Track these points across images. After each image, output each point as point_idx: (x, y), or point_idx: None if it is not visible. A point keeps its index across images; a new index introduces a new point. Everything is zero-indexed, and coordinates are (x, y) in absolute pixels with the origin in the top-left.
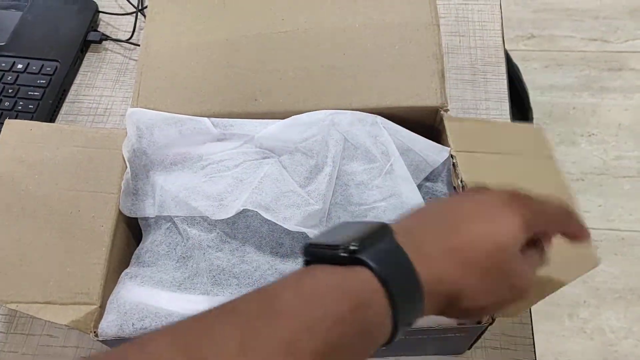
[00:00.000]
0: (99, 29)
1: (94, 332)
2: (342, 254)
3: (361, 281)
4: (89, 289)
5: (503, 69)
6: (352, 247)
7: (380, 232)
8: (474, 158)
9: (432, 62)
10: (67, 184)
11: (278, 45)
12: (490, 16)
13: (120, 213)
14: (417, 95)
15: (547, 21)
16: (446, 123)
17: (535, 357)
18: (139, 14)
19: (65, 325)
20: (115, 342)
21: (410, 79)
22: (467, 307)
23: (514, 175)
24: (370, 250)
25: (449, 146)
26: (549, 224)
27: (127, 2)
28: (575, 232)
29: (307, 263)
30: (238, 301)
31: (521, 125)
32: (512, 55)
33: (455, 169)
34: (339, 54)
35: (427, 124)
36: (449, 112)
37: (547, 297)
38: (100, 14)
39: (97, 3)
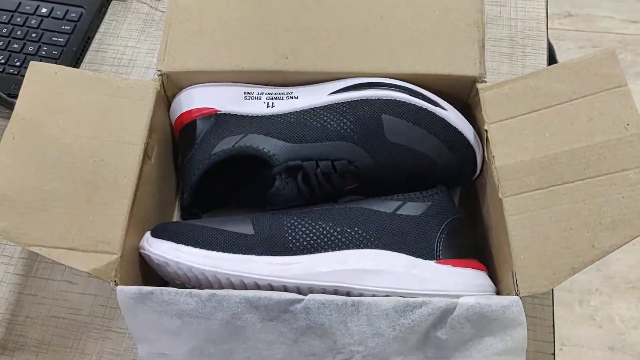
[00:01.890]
0: None
1: (114, 281)
2: None
3: None
4: (110, 239)
5: (544, 43)
6: None
7: None
8: (508, 126)
9: (472, 30)
10: (90, 132)
11: (312, 5)
12: None
13: (143, 166)
14: (455, 64)
15: (586, 0)
16: (481, 94)
17: (554, 340)
18: None
19: (87, 273)
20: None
21: (449, 47)
22: None
23: (562, 128)
24: None
25: (483, 119)
26: None
27: None
28: None
29: None
30: None
31: (579, 61)
32: None
33: (488, 145)
34: (375, 18)
35: (463, 93)
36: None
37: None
38: None
39: None
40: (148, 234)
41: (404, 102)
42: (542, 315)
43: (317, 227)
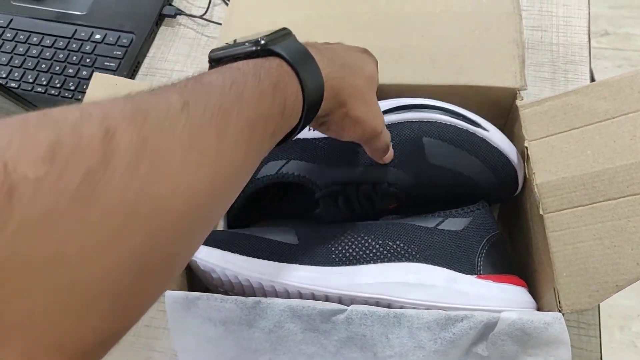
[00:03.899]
0: (173, 4)
1: None
2: (253, 48)
3: (276, 65)
4: None
5: (586, 68)
6: (262, 41)
7: (285, 32)
8: (549, 143)
9: (512, 48)
10: None
11: (357, 25)
12: (576, 11)
13: None
14: (496, 76)
15: (624, 19)
16: (521, 111)
17: None
18: None
19: None
20: (179, 302)
21: (489, 61)
22: (346, 114)
23: (604, 146)
24: (278, 44)
25: (523, 136)
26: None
27: None
28: None
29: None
30: (173, 83)
31: (620, 78)
32: None
33: (528, 162)
34: (417, 36)
35: (504, 107)
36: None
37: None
38: None
39: None
40: None
41: (445, 123)
42: (588, 347)
43: (360, 239)
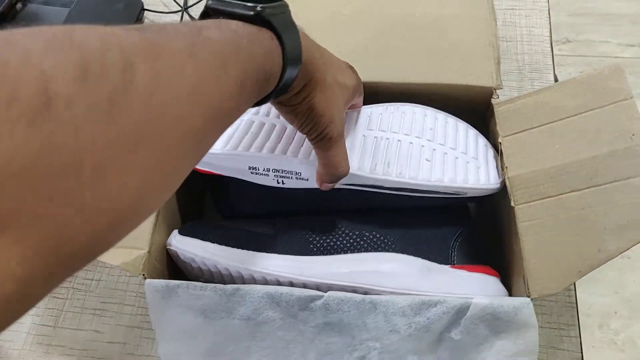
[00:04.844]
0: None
1: (143, 275)
2: (250, 13)
3: (269, 38)
4: (139, 235)
5: (551, 76)
6: (259, 9)
7: (282, 5)
8: (520, 139)
9: (488, 50)
10: None
11: (337, 25)
12: (538, 21)
13: None
14: (472, 75)
15: (584, 26)
16: (495, 109)
17: None
18: (184, 12)
19: (117, 266)
20: (159, 291)
21: (467, 62)
22: (308, 98)
23: (571, 140)
24: (276, 16)
25: (497, 132)
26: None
27: (172, 1)
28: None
29: (208, 16)
30: (177, 28)
31: (588, 76)
32: None
33: (501, 157)
34: (398, 36)
35: (482, 104)
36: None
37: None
38: (146, 11)
39: (143, 1)
40: (176, 231)
41: None
42: (569, 348)
43: (337, 230)
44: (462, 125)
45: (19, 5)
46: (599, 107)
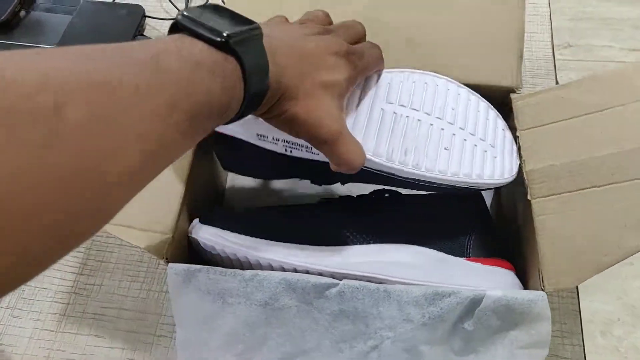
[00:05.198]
0: (145, 34)
1: (166, 258)
2: (217, 39)
3: (232, 69)
4: (164, 220)
5: (552, 81)
6: (227, 39)
7: (255, 33)
8: (539, 133)
9: (513, 42)
10: None
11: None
12: (539, 27)
13: (194, 159)
14: (493, 75)
15: (584, 30)
16: (514, 103)
17: None
18: None
19: (142, 249)
20: (180, 275)
21: (487, 57)
22: (297, 111)
23: (591, 136)
24: (243, 46)
25: (515, 125)
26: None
27: (173, 7)
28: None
29: (177, 31)
30: (129, 54)
31: (610, 73)
32: None
33: (519, 150)
34: (421, 31)
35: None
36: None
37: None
38: (147, 18)
39: (144, 8)
40: (197, 220)
41: None
42: (572, 356)
43: (353, 220)
44: (483, 105)
45: (22, 13)
46: (620, 104)
